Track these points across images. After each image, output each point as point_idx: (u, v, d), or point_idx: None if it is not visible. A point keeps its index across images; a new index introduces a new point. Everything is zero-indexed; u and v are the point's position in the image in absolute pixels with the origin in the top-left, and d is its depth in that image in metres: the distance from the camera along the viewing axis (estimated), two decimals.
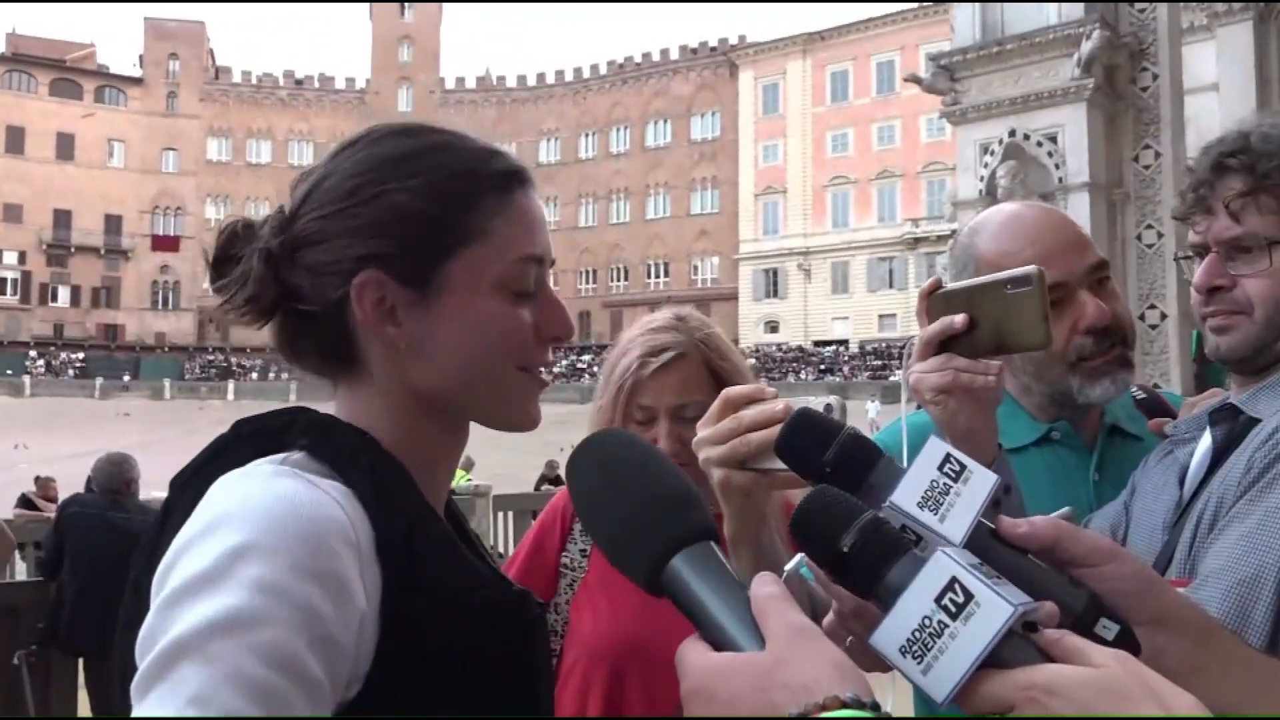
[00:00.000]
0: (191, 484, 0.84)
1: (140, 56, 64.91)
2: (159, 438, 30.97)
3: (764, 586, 0.65)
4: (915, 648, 0.60)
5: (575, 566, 1.71)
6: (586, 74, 65.77)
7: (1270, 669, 0.86)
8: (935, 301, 1.19)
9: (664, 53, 63.46)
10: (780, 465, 0.96)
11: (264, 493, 0.75)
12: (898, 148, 53.27)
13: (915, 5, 51.61)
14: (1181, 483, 1.26)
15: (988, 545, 0.74)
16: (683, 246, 60.04)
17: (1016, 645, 0.60)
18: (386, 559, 0.78)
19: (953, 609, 0.60)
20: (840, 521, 0.66)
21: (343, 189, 0.90)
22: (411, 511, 0.83)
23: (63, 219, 60.73)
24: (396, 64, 66.88)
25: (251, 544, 0.71)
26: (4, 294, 60.09)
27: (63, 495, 7.83)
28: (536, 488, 14.36)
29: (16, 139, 60.25)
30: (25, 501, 10.73)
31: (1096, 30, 6.22)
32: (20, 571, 8.55)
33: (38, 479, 11.36)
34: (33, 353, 57.59)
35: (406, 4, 67.34)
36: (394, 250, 0.88)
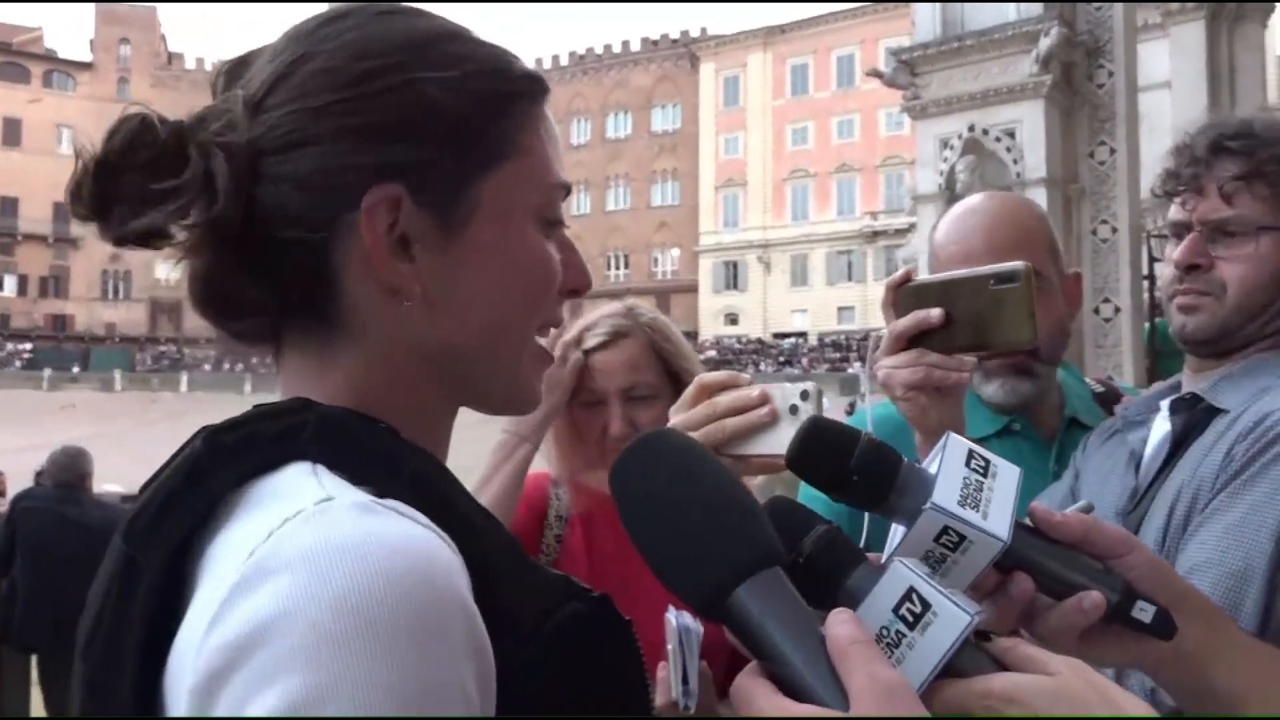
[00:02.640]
0: (159, 531, 0.58)
1: (90, 41, 63.55)
2: (111, 430, 30.41)
3: (842, 626, 0.56)
4: None
5: (549, 553, 1.69)
6: (547, 64, 65.39)
7: (1268, 652, 0.90)
8: (906, 294, 1.16)
9: (625, 44, 63.31)
10: (755, 451, 0.95)
11: (380, 566, 0.51)
12: (857, 141, 53.56)
13: (876, 1, 51.92)
14: (1136, 469, 1.26)
15: (1019, 537, 0.72)
16: (642, 238, 59.97)
17: (971, 654, 0.60)
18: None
19: (910, 619, 0.60)
20: (797, 531, 0.65)
21: (348, 73, 0.65)
22: (473, 530, 0.61)
23: (9, 206, 59.22)
24: None
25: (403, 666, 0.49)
26: None
27: (11, 490, 7.66)
28: None
29: None
30: None
31: (1055, 27, 6.31)
32: None
33: None
34: None
35: None
36: (422, 160, 0.65)
